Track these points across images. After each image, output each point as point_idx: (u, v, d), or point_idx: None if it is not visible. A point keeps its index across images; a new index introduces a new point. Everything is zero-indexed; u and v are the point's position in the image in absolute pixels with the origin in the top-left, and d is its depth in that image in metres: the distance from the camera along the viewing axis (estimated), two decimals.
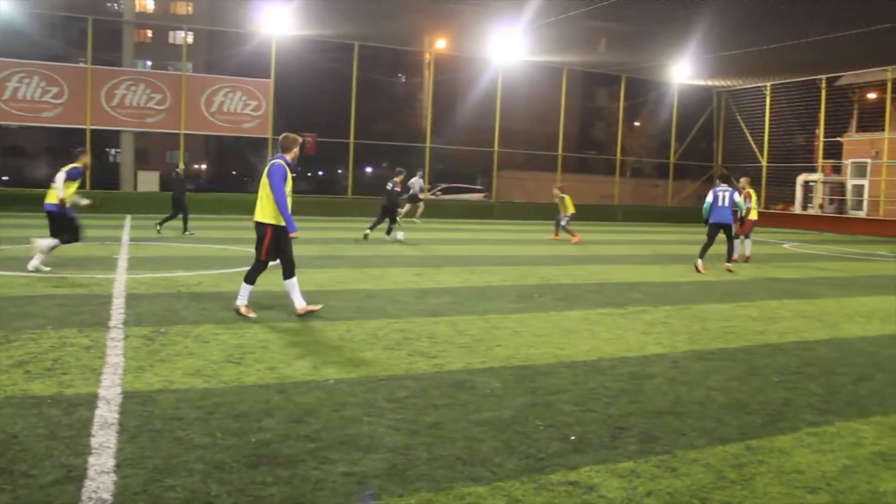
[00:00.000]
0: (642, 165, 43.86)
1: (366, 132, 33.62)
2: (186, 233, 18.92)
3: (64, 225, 11.71)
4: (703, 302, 11.04)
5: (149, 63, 54.35)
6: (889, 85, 33.99)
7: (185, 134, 30.42)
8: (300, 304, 8.54)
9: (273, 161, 8.51)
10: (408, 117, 42.75)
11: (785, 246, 20.58)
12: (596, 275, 13.88)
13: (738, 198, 15.31)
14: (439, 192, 37.41)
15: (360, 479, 4.02)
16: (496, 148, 34.60)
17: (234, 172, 56.83)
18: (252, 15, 29.24)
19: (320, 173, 55.65)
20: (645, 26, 28.10)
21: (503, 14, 27.60)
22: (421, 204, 27.62)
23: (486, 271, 13.54)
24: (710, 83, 39.82)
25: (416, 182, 27.18)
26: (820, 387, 6.46)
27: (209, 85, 30.84)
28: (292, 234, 8.40)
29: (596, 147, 44.21)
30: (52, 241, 11.51)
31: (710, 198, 15.17)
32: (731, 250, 15.46)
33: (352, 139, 32.09)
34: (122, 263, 12.82)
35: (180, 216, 19.12)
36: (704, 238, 15.17)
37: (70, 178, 11.73)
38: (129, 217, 24.60)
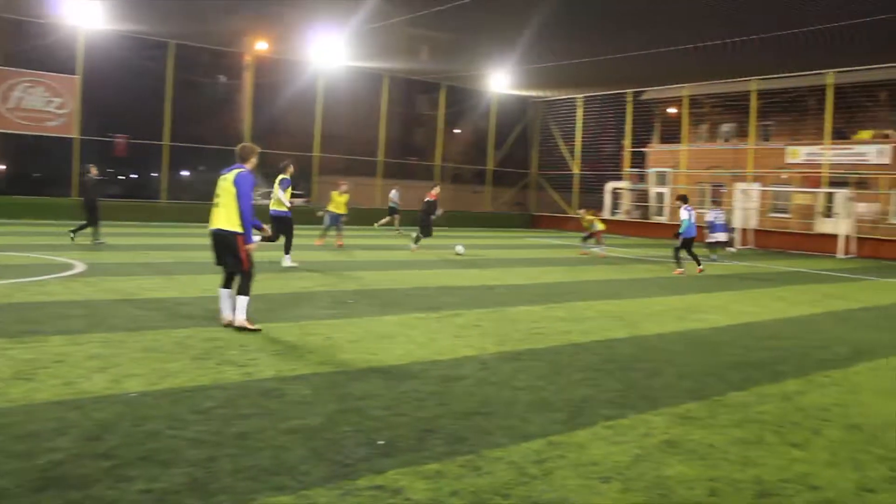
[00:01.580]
0: (462, 172, 44.83)
1: (183, 134, 32.33)
2: (97, 240, 17.99)
3: (286, 227, 14.56)
4: (515, 304, 11.43)
5: None
6: (686, 101, 36.58)
7: None
8: (241, 316, 8.31)
9: (239, 171, 8.32)
10: (227, 120, 41.52)
11: (594, 250, 21.65)
12: (413, 279, 14.05)
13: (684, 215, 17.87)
14: (258, 197, 36.62)
15: (159, 497, 3.87)
16: (317, 153, 34.32)
17: (35, 175, 52.97)
18: (57, 4, 27.30)
19: (133, 176, 53.00)
20: (465, 36, 28.74)
21: (325, 19, 27.37)
22: (398, 216, 29.87)
23: (302, 277, 13.40)
24: (526, 93, 41.34)
25: (394, 195, 30.38)
26: (618, 382, 6.84)
27: (6, 78, 28.53)
28: (249, 246, 8.27)
29: (417, 153, 44.71)
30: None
31: (687, 215, 17.71)
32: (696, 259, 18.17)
33: (166, 141, 30.84)
34: None
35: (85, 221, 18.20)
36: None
37: (283, 187, 14.64)
38: None
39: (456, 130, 46.89)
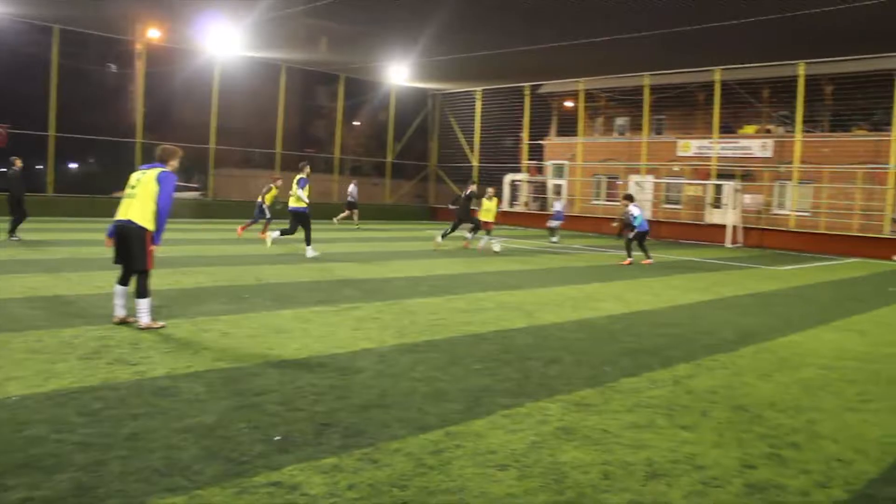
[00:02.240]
0: (361, 164, 44.58)
1: (71, 124, 31.00)
2: (13, 237, 17.29)
3: (303, 222, 16.69)
4: (414, 296, 11.45)
5: None
6: (581, 95, 37.33)
7: None
8: (145, 319, 8.09)
9: (162, 169, 8.09)
10: (119, 110, 40.06)
11: (493, 241, 21.86)
12: (311, 273, 13.90)
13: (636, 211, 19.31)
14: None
15: None
16: (213, 145, 33.53)
17: None
18: None
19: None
20: (365, 27, 28.55)
21: (221, 7, 26.68)
22: (356, 211, 30.46)
23: (199, 272, 13.07)
24: (425, 86, 41.39)
25: (353, 190, 30.63)
26: (516, 371, 6.94)
27: None
28: (155, 247, 8.07)
29: (315, 145, 44.24)
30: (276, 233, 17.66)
31: (638, 212, 19.25)
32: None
33: (52, 132, 29.52)
34: None
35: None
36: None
37: (301, 185, 16.57)
38: None
39: (355, 122, 46.62)
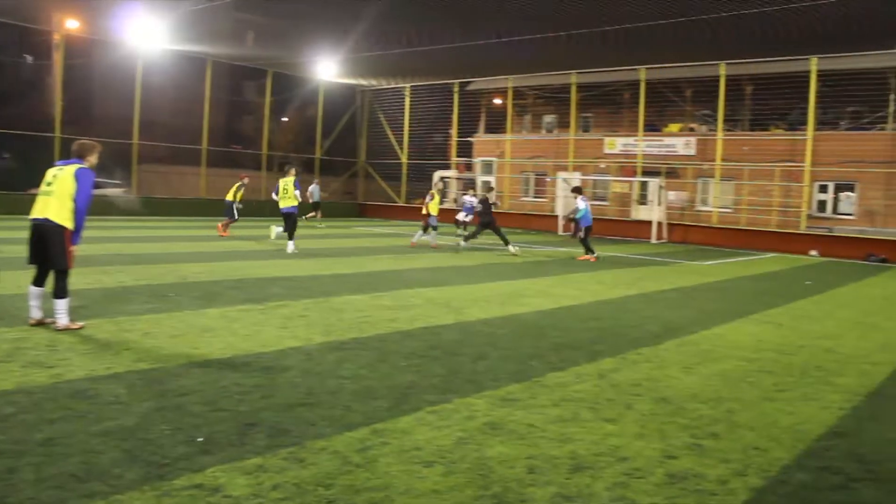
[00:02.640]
0: (290, 160, 44.11)
1: None
2: None
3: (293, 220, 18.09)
4: (342, 294, 11.37)
5: None
6: (510, 92, 37.61)
7: None
8: (63, 320, 7.85)
9: (80, 165, 7.82)
10: (36, 103, 38.77)
11: (426, 238, 21.86)
12: (237, 271, 13.68)
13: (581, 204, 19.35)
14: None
15: None
16: (136, 140, 32.74)
17: None
18: None
19: None
20: (292, 22, 28.22)
21: None
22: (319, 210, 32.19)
23: (121, 271, 12.75)
24: (354, 82, 41.15)
25: (315, 189, 32.21)
26: (443, 368, 6.96)
27: None
28: (74, 247, 7.83)
29: (243, 141, 43.54)
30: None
31: (585, 205, 19.30)
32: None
33: None
34: None
35: None
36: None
37: (297, 188, 18.11)
38: None
39: (283, 118, 46.08)
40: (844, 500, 4.40)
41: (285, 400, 5.69)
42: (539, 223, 34.56)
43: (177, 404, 5.44)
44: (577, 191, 20.38)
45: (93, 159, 8.09)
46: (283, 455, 4.54)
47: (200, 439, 4.74)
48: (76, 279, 10.15)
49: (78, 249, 7.96)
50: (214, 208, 33.48)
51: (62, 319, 7.80)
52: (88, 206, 7.85)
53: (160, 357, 6.84)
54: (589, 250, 19.61)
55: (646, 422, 5.62)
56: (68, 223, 7.71)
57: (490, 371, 6.97)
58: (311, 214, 31.84)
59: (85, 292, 10.15)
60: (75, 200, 7.71)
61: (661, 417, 5.75)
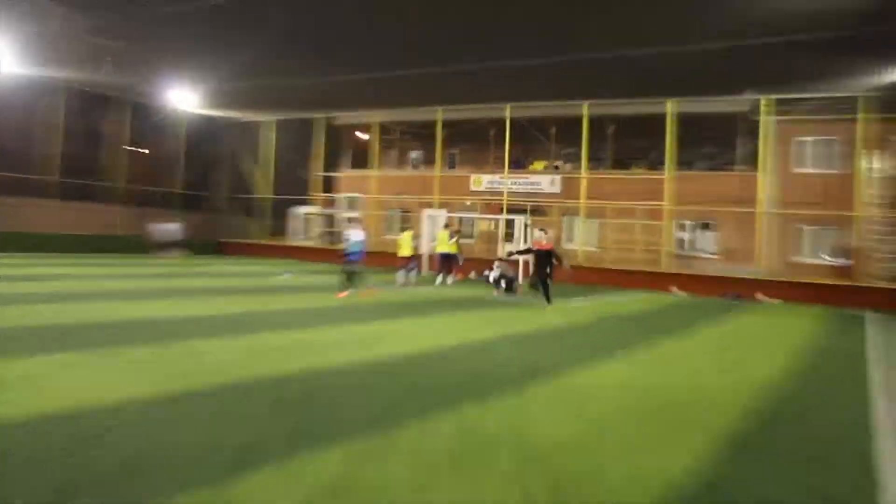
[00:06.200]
0: (148, 193, 42.28)
1: None
2: None
3: None
4: (193, 337, 10.61)
5: None
6: (377, 127, 37.44)
7: None
8: None
9: None
10: None
11: (283, 276, 21.11)
12: (91, 313, 12.63)
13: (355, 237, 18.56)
14: None
15: None
16: None
17: None
18: None
19: None
20: (152, 51, 27.21)
21: None
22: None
23: None
24: (218, 114, 40.02)
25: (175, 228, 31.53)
26: (293, 419, 6.41)
27: None
28: None
29: (98, 173, 41.41)
30: None
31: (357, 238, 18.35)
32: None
33: None
34: None
35: None
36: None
37: None
38: None
39: (143, 150, 44.23)
40: None
41: (110, 463, 5.01)
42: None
43: None
44: (353, 220, 19.45)
45: None
46: None
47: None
48: None
49: None
50: (70, 244, 31.61)
51: None
52: None
53: None
54: (345, 286, 18.58)
55: (508, 473, 5.27)
56: None
57: (343, 421, 6.46)
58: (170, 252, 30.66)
59: None
60: None
61: (522, 466, 5.42)
